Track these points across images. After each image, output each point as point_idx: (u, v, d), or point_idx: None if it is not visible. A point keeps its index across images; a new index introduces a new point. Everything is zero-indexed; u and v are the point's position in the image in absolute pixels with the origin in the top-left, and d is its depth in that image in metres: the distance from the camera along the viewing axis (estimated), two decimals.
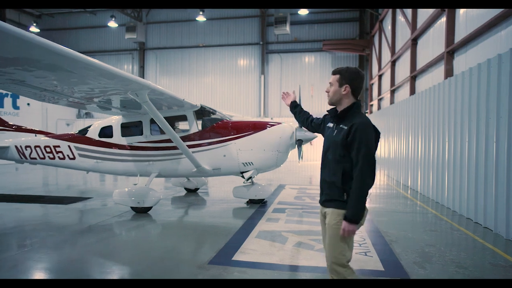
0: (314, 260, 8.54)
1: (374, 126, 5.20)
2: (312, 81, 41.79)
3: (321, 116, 6.09)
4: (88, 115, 46.90)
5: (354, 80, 5.35)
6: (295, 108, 6.67)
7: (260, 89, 42.99)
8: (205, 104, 15.09)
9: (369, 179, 5.01)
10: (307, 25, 42.07)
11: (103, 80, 9.66)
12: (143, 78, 43.74)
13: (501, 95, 10.68)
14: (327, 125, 5.67)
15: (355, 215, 5.00)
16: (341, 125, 5.29)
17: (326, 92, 5.47)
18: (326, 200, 5.35)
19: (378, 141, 5.27)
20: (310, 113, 6.56)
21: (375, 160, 5.07)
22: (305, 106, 38.90)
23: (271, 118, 38.41)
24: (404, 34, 26.30)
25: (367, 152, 4.98)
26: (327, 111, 5.65)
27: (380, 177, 25.91)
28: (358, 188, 4.97)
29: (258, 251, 9.18)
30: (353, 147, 5.04)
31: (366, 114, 38.94)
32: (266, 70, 43.05)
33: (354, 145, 5.03)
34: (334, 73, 5.43)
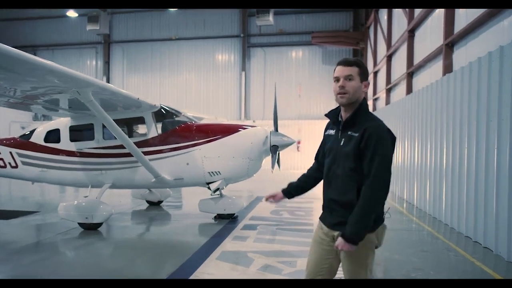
0: None
1: (389, 130, 4.88)
2: (300, 79, 41.40)
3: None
4: (46, 117, 46.32)
5: (368, 75, 5.10)
6: (290, 190, 5.71)
7: (241, 87, 42.64)
8: (179, 105, 14.85)
9: (381, 194, 4.73)
10: (293, 15, 41.55)
11: (42, 76, 9.40)
12: (108, 75, 43.64)
13: (502, 94, 10.41)
14: (327, 132, 5.33)
15: (355, 234, 4.66)
16: (349, 132, 4.92)
17: (341, 87, 4.89)
18: (339, 223, 4.94)
19: (394, 148, 4.93)
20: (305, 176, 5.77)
21: (390, 172, 4.77)
22: (292, 107, 38.81)
23: (253, 121, 37.97)
24: (400, 25, 26.07)
25: (382, 161, 4.68)
26: (326, 115, 5.31)
27: None
28: (364, 203, 4.67)
29: (215, 276, 8.87)
30: (366, 156, 4.72)
31: None
32: (248, 66, 42.69)
33: (367, 153, 4.71)
34: (349, 64, 4.94)
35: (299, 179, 5.69)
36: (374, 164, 4.64)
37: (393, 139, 4.87)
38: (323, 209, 5.25)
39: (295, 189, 5.68)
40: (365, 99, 5.03)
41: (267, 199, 5.78)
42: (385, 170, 4.69)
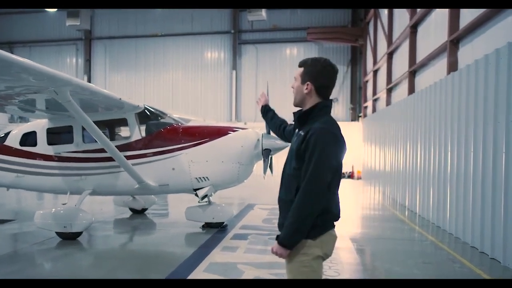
0: None
1: (336, 135, 4.83)
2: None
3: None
4: (23, 119, 46.00)
5: (319, 75, 5.03)
6: (267, 113, 6.53)
7: (232, 87, 42.32)
8: (165, 106, 14.72)
9: (314, 199, 4.69)
10: (288, 9, 41.14)
11: (16, 75, 9.32)
12: (90, 74, 43.35)
13: (510, 94, 10.39)
14: (295, 130, 5.35)
15: (285, 238, 4.77)
16: (300, 131, 5.01)
17: (292, 88, 5.18)
18: (283, 224, 4.99)
19: (342, 154, 4.90)
20: (284, 120, 6.36)
21: (325, 179, 4.72)
22: (286, 109, 38.74)
23: (245, 123, 37.78)
24: (402, 20, 26.02)
25: (317, 165, 4.66)
26: (293, 113, 5.31)
27: (375, 195, 25.73)
28: (296, 207, 4.70)
29: None
30: (305, 158, 4.75)
31: (360, 118, 38.70)
32: (239, 64, 42.41)
33: (305, 155, 4.75)
34: (299, 65, 5.16)
35: (275, 114, 6.64)
36: (309, 168, 4.67)
37: (339, 143, 4.84)
38: None
39: (273, 113, 6.56)
40: (322, 102, 5.06)
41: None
42: (319, 175, 4.68)
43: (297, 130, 5.18)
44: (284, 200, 5.02)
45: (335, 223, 5.01)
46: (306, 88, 5.00)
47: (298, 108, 5.21)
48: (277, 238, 4.81)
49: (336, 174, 4.84)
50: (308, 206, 4.68)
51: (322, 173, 4.68)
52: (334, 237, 5.00)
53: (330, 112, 5.11)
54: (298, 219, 4.68)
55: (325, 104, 5.06)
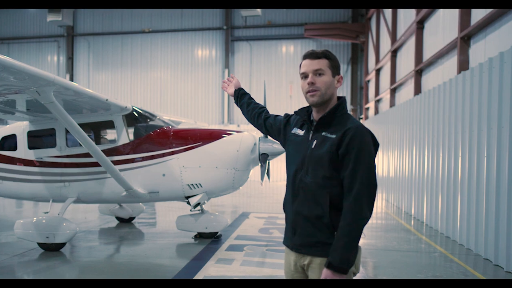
0: None
1: (372, 134, 4.68)
2: (291, 77, 41.06)
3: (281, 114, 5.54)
4: (1, 121, 45.66)
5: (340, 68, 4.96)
6: (242, 98, 6.05)
7: None
8: (153, 107, 14.60)
9: (367, 211, 4.49)
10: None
11: None
12: (72, 72, 43.25)
13: None
14: (293, 131, 5.12)
15: (345, 262, 4.39)
16: (323, 133, 4.72)
17: (311, 83, 4.72)
18: (306, 244, 4.72)
19: (376, 155, 4.73)
20: (265, 107, 5.94)
21: (376, 184, 4.55)
22: (282, 110, 38.57)
23: (238, 126, 37.73)
24: (407, 15, 26.03)
25: (367, 171, 4.46)
26: (295, 112, 5.17)
27: (377, 203, 25.59)
28: (350, 224, 4.42)
29: None
30: (347, 163, 4.50)
31: (361, 120, 38.60)
32: (231, 62, 42.34)
33: (348, 160, 4.49)
34: (317, 56, 4.76)
35: (252, 99, 6.03)
36: (357, 176, 4.45)
37: (376, 145, 4.69)
38: (286, 229, 5.06)
39: (248, 98, 6.00)
40: (344, 97, 4.91)
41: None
42: (371, 183, 4.50)
43: (304, 130, 4.96)
44: (307, 216, 4.70)
45: None
46: (338, 81, 4.83)
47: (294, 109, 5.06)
48: (329, 266, 4.40)
49: None
50: (365, 217, 4.49)
51: (374, 177, 4.52)
52: (360, 250, 4.71)
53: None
54: (356, 235, 4.44)
55: (345, 100, 4.91)
